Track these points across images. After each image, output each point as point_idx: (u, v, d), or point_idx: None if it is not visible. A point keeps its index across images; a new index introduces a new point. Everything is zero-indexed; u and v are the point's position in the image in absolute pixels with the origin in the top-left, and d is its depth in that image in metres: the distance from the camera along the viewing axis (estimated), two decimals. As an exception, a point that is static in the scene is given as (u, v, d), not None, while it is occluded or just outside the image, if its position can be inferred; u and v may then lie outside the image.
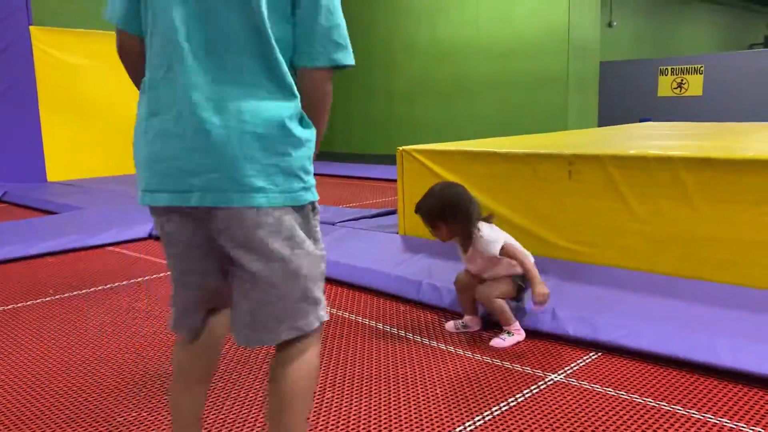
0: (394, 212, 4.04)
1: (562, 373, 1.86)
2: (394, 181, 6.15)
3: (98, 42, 7.17)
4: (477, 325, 2.25)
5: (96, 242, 3.70)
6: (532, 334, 2.13)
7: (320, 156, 9.49)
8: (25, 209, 5.35)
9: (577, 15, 7.73)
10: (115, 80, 7.25)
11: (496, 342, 2.09)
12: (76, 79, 6.95)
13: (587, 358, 1.95)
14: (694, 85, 12.41)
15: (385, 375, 1.87)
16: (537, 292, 1.98)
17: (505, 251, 2.09)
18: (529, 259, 2.10)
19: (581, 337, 2.03)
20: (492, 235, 2.13)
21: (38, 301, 2.69)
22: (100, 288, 2.87)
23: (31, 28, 6.65)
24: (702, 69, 12.24)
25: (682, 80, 12.62)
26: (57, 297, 2.74)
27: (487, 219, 2.21)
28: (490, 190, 2.93)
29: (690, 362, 1.83)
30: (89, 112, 7.07)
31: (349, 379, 1.84)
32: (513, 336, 2.10)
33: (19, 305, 2.63)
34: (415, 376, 1.86)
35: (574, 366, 1.90)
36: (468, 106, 8.81)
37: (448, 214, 2.13)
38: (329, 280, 2.82)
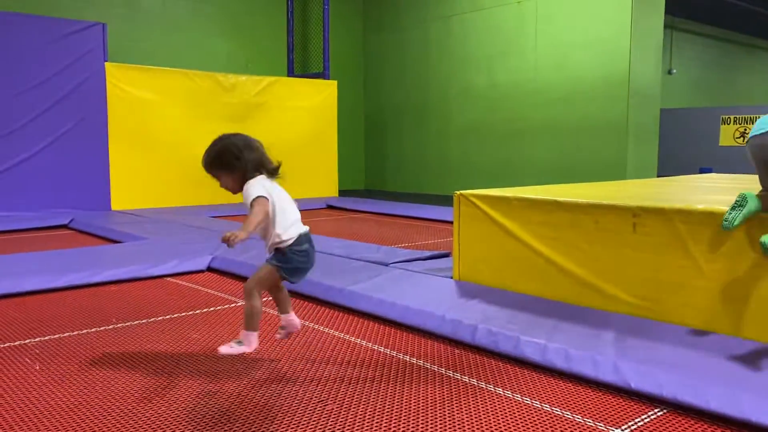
0: (448, 255, 4.03)
1: (626, 428, 1.79)
2: (448, 222, 6.18)
3: (166, 78, 7.51)
4: (294, 325, 2.25)
5: (157, 273, 3.80)
6: (593, 384, 2.07)
7: (372, 195, 9.59)
8: (90, 236, 5.56)
9: (637, 61, 7.68)
10: (179, 115, 7.57)
11: (224, 349, 2.06)
12: (144, 113, 7.28)
13: (652, 414, 1.88)
14: (758, 136, 12.10)
15: (440, 418, 1.84)
16: (229, 233, 1.94)
17: (253, 203, 2.04)
18: (258, 216, 2.03)
19: (645, 392, 1.96)
20: (255, 185, 2.09)
21: (102, 328, 2.77)
22: (160, 318, 2.94)
23: (107, 64, 7.02)
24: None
25: (745, 129, 12.32)
26: (120, 325, 2.82)
27: (273, 171, 2.18)
28: (549, 239, 2.90)
29: (762, 427, 1.74)
30: (155, 145, 7.37)
31: (404, 423, 1.82)
32: (242, 346, 2.06)
33: (83, 332, 2.72)
34: (471, 421, 1.83)
35: (639, 422, 1.84)
36: (524, 150, 8.79)
37: (224, 163, 2.12)
38: (383, 321, 2.82)
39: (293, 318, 2.35)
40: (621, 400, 1.98)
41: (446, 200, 3.60)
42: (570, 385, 2.11)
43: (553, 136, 8.38)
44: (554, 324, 2.51)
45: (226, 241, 2.00)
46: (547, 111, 8.43)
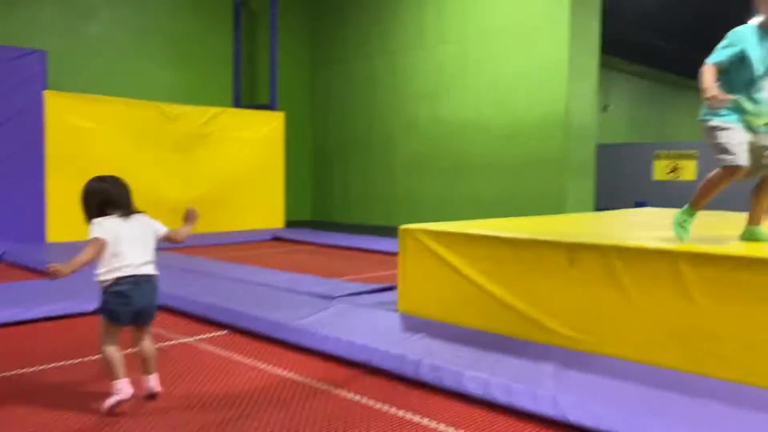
0: (393, 288, 4.05)
1: (564, 467, 1.83)
2: (394, 254, 6.19)
3: (108, 107, 7.38)
4: (148, 389, 2.23)
5: (89, 309, 3.68)
6: (534, 418, 2.11)
7: (319, 226, 9.57)
8: (22, 270, 5.34)
9: (574, 99, 7.98)
10: (122, 145, 7.42)
11: (106, 404, 2.10)
12: (85, 142, 7.11)
13: (589, 452, 1.93)
14: (688, 171, 12.69)
15: (384, 462, 1.84)
16: (53, 266, 2.01)
17: (86, 243, 2.14)
18: (84, 256, 2.09)
19: (582, 425, 2.01)
20: (92, 227, 2.17)
21: (32, 369, 2.66)
22: (87, 359, 2.84)
23: (46, 92, 6.84)
24: (696, 155, 12.55)
25: (676, 165, 12.92)
26: (45, 367, 2.72)
27: (125, 212, 2.23)
28: (491, 273, 2.96)
29: (693, 461, 1.81)
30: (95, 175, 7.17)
31: (348, 466, 1.81)
32: (115, 396, 2.10)
33: (9, 374, 2.60)
34: (416, 464, 1.84)
35: (577, 459, 1.88)
36: (467, 184, 8.96)
37: (84, 206, 2.24)
38: (328, 357, 2.81)
39: (150, 383, 2.27)
40: (560, 433, 2.03)
41: (392, 231, 3.64)
42: (512, 420, 2.14)
43: (496, 170, 8.59)
44: (497, 358, 2.56)
45: (50, 273, 2.05)
46: (489, 146, 8.65)
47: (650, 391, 2.18)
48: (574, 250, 2.67)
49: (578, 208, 8.04)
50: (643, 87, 19.73)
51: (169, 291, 3.92)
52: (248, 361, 2.79)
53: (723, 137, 2.54)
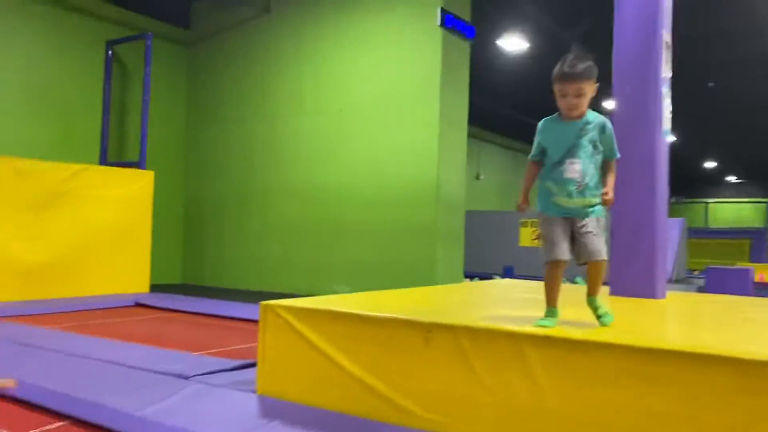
0: (255, 364, 3.90)
1: None
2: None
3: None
4: None
5: None
6: None
7: (189, 290, 9.15)
8: None
9: (444, 170, 8.36)
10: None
11: None
12: None
13: None
14: (551, 238, 13.56)
15: None
16: None
17: None
18: None
19: None
20: None
21: None
22: None
23: None
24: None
25: (540, 233, 13.79)
26: None
27: None
28: (351, 352, 2.93)
29: None
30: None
31: None
32: None
33: None
34: None
35: None
36: (343, 249, 9.01)
37: None
38: (175, 448, 2.62)
39: None
40: None
41: (267, 297, 3.53)
42: None
43: (371, 237, 8.72)
44: (351, 443, 2.50)
45: None
46: (364, 213, 8.80)
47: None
48: (429, 329, 2.71)
49: (449, 273, 8.30)
50: (510, 158, 21.12)
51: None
52: (82, 455, 2.54)
53: (544, 230, 2.67)
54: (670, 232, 13.83)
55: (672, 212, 21.55)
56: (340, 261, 9.00)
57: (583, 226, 2.62)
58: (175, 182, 10.85)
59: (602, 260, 2.63)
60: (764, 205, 24.27)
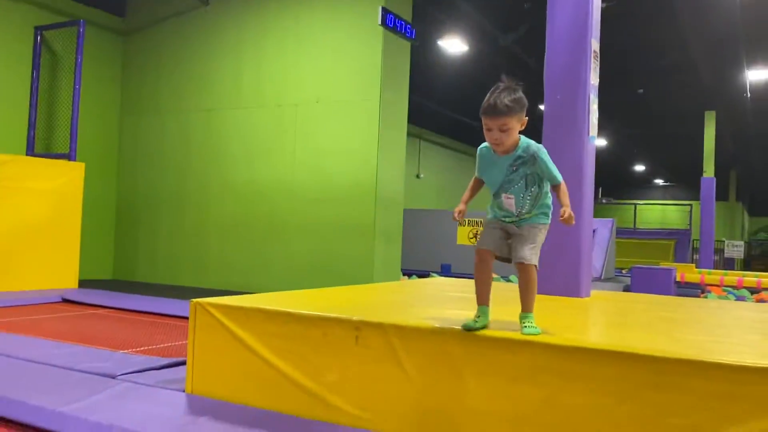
0: (185, 362, 3.84)
1: None
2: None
3: None
4: None
5: None
6: None
7: (120, 286, 8.90)
8: None
9: (384, 169, 8.41)
10: None
11: None
12: None
13: None
14: (488, 237, 13.85)
15: None
16: None
17: None
18: None
19: None
20: None
21: None
22: None
23: None
24: (482, 222, 13.75)
25: (476, 231, 14.04)
26: None
27: None
28: (282, 351, 2.93)
29: None
30: None
31: None
32: None
33: None
34: None
35: None
36: (281, 247, 8.96)
37: None
38: (97, 449, 2.56)
39: None
40: None
41: (201, 294, 3.46)
42: None
43: (309, 234, 8.70)
44: (280, 441, 2.51)
45: None
46: (303, 210, 8.77)
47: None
48: (359, 327, 2.74)
49: (386, 271, 8.37)
50: (450, 158, 21.42)
51: None
52: (-2, 458, 2.46)
53: (482, 228, 2.74)
54: (601, 231, 14.37)
55: (602, 213, 22.36)
56: (278, 258, 8.94)
57: (517, 229, 2.59)
58: (108, 175, 10.52)
59: (526, 264, 2.51)
60: (689, 207, 25.48)
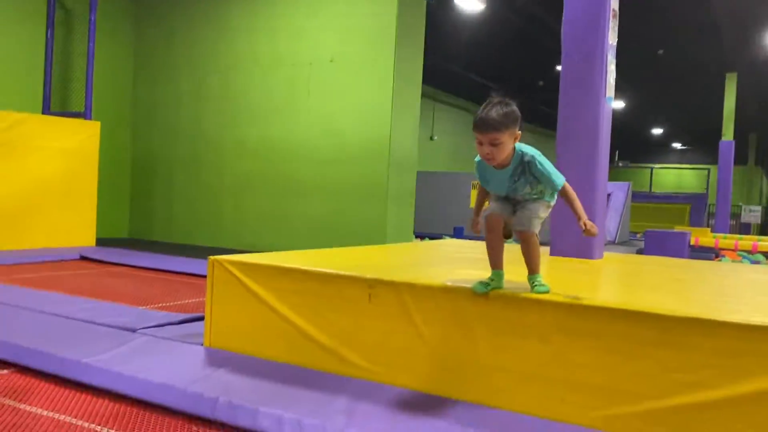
0: (203, 318, 3.94)
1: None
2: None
3: None
4: None
5: None
6: (321, 459, 2.17)
7: (137, 245, 9.04)
8: None
9: (397, 130, 8.39)
10: None
11: None
12: None
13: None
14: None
15: None
16: None
17: None
18: None
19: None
20: None
21: None
22: None
23: None
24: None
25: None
26: None
27: None
28: (297, 306, 3.01)
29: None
30: None
31: None
32: None
33: None
34: None
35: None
36: (297, 205, 9.02)
37: None
38: (123, 398, 2.67)
39: None
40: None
41: (216, 252, 3.53)
42: (301, 456, 2.19)
43: (323, 195, 8.74)
44: (295, 392, 2.60)
45: None
46: (318, 170, 8.79)
47: (436, 421, 2.35)
48: (373, 285, 2.80)
49: (398, 232, 8.42)
50: (464, 120, 21.23)
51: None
52: (26, 407, 2.57)
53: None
54: (616, 195, 14.31)
55: (618, 176, 22.19)
56: (291, 218, 9.02)
57: (523, 201, 2.60)
58: (123, 134, 10.58)
59: (526, 231, 2.54)
60: (706, 171, 25.18)
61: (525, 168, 2.51)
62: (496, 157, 2.46)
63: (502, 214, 2.60)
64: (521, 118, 2.48)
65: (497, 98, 2.47)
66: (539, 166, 2.50)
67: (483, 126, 2.43)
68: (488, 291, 2.55)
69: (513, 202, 2.63)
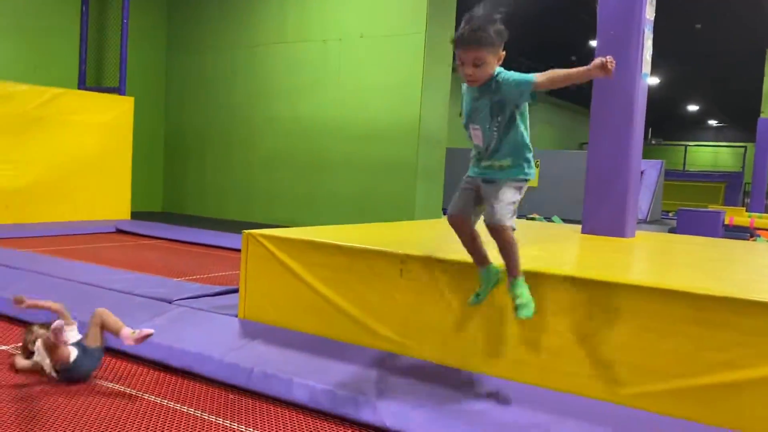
0: (237, 291, 4.03)
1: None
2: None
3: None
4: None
5: None
6: (355, 425, 2.22)
7: (170, 218, 9.20)
8: None
9: (427, 107, 8.34)
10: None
11: None
12: None
13: (402, 454, 2.08)
14: (530, 177, 13.71)
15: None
16: None
17: None
18: None
19: (398, 430, 2.15)
20: None
21: None
22: None
23: None
24: (538, 163, 13.58)
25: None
26: None
27: None
28: (329, 280, 3.05)
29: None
30: None
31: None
32: None
33: None
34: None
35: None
36: (325, 182, 9.07)
37: None
38: (160, 367, 2.76)
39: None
40: (378, 438, 2.15)
41: (247, 227, 3.59)
42: (334, 426, 2.25)
43: (352, 171, 8.77)
44: (327, 364, 2.66)
45: None
46: (347, 147, 8.81)
47: (465, 396, 2.38)
48: (405, 260, 2.83)
49: (427, 209, 8.43)
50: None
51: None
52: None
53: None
54: (649, 173, 14.08)
55: (651, 154, 21.77)
56: (321, 194, 9.08)
57: (489, 187, 2.35)
58: (156, 109, 10.71)
59: (499, 226, 2.25)
60: (742, 149, 24.55)
61: (492, 83, 2.23)
62: (477, 77, 2.21)
63: (462, 212, 2.42)
64: (506, 34, 2.21)
65: (481, 12, 2.18)
66: (504, 76, 2.22)
67: (465, 42, 2.17)
68: (481, 301, 2.46)
69: (475, 189, 2.40)
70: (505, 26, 2.21)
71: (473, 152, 2.46)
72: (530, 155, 2.35)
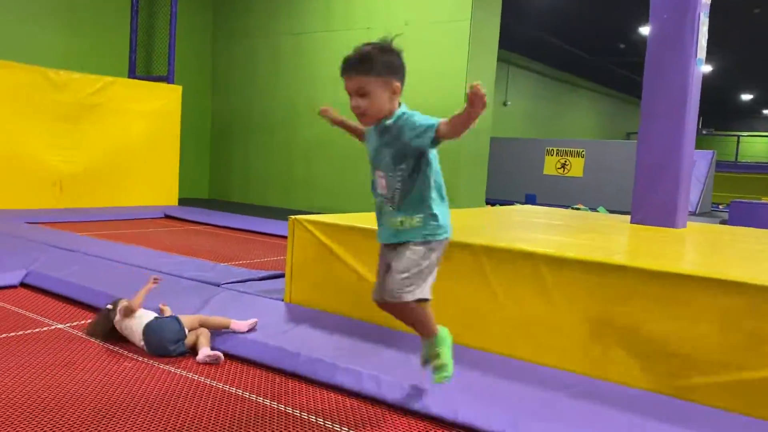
0: (282, 275, 4.08)
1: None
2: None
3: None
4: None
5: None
6: (400, 410, 2.23)
7: (215, 205, 9.36)
8: None
9: (472, 95, 8.22)
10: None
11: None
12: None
13: (447, 440, 2.08)
14: (576, 167, 13.47)
15: (252, 453, 1.90)
16: None
17: None
18: None
19: (442, 417, 2.15)
20: None
21: None
22: (-42, 343, 2.71)
23: None
24: (584, 153, 13.34)
25: (565, 161, 13.68)
26: None
27: None
28: (374, 266, 3.06)
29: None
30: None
31: (215, 457, 1.86)
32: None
33: None
34: (282, 454, 1.91)
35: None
36: (367, 170, 9.04)
37: None
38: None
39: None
40: (426, 424, 2.16)
41: (290, 214, 3.65)
42: (380, 411, 2.26)
43: (395, 158, 8.76)
44: (373, 349, 2.68)
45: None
46: (390, 134, 8.81)
47: (513, 384, 2.37)
48: (448, 247, 2.81)
49: (470, 198, 8.37)
50: (541, 84, 20.64)
51: (41, 271, 3.77)
52: (119, 350, 2.75)
53: None
54: (699, 164, 13.65)
55: (702, 144, 21.11)
56: (361, 181, 9.10)
57: (389, 255, 2.06)
58: (203, 97, 10.89)
59: (394, 303, 1.97)
60: (799, 140, 23.60)
61: (392, 125, 1.97)
62: (366, 111, 1.94)
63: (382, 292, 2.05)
64: (403, 68, 1.95)
65: (376, 42, 1.97)
66: (406, 115, 1.96)
67: (346, 69, 1.94)
68: (446, 377, 2.10)
69: (387, 265, 2.05)
70: (401, 61, 1.95)
71: (376, 204, 2.14)
72: (440, 209, 2.03)
